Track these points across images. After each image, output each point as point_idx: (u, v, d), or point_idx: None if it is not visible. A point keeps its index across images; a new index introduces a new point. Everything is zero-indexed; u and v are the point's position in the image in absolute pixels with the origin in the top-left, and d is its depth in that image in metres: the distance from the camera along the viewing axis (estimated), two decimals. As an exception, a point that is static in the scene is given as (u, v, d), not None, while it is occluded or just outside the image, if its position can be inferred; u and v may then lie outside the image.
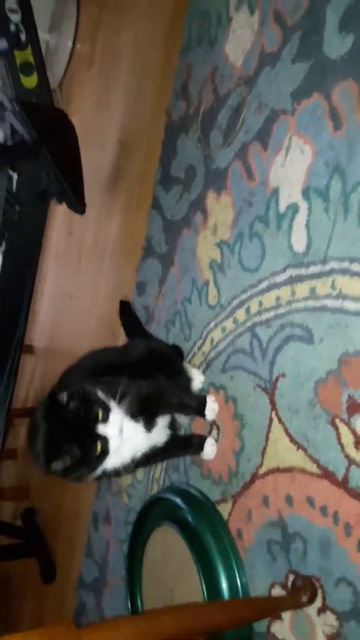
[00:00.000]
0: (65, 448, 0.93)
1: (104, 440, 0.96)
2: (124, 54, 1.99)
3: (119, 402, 1.01)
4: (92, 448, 0.95)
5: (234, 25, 1.29)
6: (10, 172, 1.59)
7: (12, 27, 1.67)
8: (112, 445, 0.97)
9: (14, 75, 1.68)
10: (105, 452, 0.97)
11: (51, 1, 2.81)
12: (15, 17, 1.68)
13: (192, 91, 1.44)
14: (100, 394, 1.00)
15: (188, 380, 1.24)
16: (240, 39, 1.26)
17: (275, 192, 1.08)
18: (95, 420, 0.96)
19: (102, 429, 0.96)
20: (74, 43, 2.51)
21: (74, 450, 0.93)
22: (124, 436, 1.02)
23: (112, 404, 1.00)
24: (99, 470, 1.00)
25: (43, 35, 2.65)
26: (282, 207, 1.06)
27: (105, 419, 0.97)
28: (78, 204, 1.67)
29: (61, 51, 2.58)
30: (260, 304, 1.09)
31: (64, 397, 0.95)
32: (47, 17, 2.80)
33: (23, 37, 1.68)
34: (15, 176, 1.60)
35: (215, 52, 1.35)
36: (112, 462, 1.03)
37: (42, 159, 1.59)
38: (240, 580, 1.06)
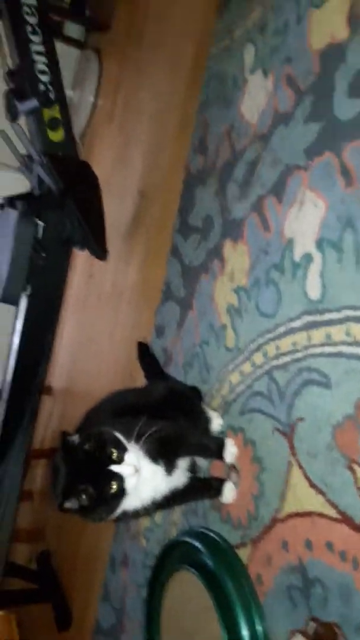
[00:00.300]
0: (80, 488, 0.96)
1: (120, 479, 0.98)
2: (144, 110, 2.10)
3: (137, 442, 1.04)
4: (107, 488, 0.97)
5: (249, 86, 1.38)
6: (37, 220, 1.67)
7: (42, 87, 1.79)
8: (129, 484, 0.99)
9: (41, 130, 1.79)
10: (122, 491, 0.98)
11: (75, 60, 2.99)
12: (45, 78, 1.80)
13: (209, 146, 1.52)
14: (118, 435, 1.02)
15: (207, 422, 1.27)
16: (255, 99, 1.34)
17: (290, 242, 1.13)
18: (109, 460, 0.98)
19: (117, 468, 0.98)
20: (95, 99, 2.66)
21: (89, 490, 0.96)
22: (144, 477, 1.04)
23: (130, 444, 1.02)
24: (118, 510, 1.01)
25: (67, 92, 2.81)
26: (297, 257, 1.11)
27: (121, 459, 0.99)
28: (101, 251, 1.74)
29: (83, 107, 2.73)
30: (278, 348, 1.13)
31: (75, 438, 0.99)
32: (70, 75, 2.97)
33: (52, 95, 1.79)
34: (41, 224, 1.68)
35: (231, 111, 1.44)
36: (131, 503, 1.05)
37: (67, 208, 1.67)
38: (260, 626, 1.06)
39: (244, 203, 1.31)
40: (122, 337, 1.99)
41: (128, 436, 1.04)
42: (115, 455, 0.99)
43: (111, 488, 0.97)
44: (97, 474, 0.97)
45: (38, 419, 2.13)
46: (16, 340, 1.79)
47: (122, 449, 1.00)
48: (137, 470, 1.00)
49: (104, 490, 0.97)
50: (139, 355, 1.64)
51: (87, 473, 0.98)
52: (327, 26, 1.11)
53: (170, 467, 1.11)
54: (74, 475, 0.98)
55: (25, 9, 1.76)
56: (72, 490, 0.96)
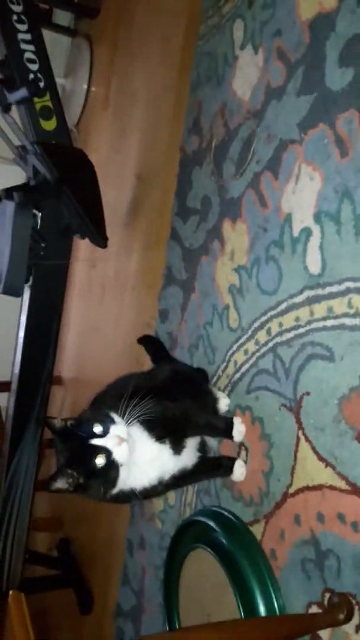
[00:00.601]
0: (67, 469, 0.97)
1: (106, 452, 0.98)
2: (137, 94, 2.08)
3: (125, 418, 1.04)
4: (93, 462, 0.97)
5: (240, 63, 1.36)
6: (34, 210, 1.66)
7: (31, 76, 1.77)
8: (118, 455, 0.98)
9: (34, 120, 1.77)
10: (112, 463, 0.98)
11: (66, 48, 2.96)
12: (34, 67, 1.78)
13: (203, 126, 1.51)
14: (109, 411, 1.03)
15: (214, 402, 1.28)
16: (247, 75, 1.32)
17: (288, 217, 1.12)
18: (92, 436, 0.98)
19: (99, 441, 0.98)
20: (88, 86, 2.64)
21: (75, 469, 0.97)
22: (150, 457, 1.06)
23: (119, 418, 1.03)
24: (118, 484, 1.01)
25: (59, 80, 2.78)
26: (296, 232, 1.10)
27: (105, 432, 0.99)
28: (100, 238, 1.73)
29: (77, 94, 2.71)
30: (281, 325, 1.13)
31: (58, 421, 1.01)
32: (62, 63, 2.94)
33: (42, 84, 1.78)
34: (39, 214, 1.68)
35: (223, 89, 1.42)
36: (139, 482, 1.07)
37: (64, 197, 1.66)
38: (277, 601, 1.07)
39: (241, 181, 1.30)
40: (127, 323, 2.00)
41: (121, 411, 1.04)
42: (99, 429, 0.99)
43: (97, 463, 0.97)
44: (82, 450, 0.98)
45: (50, 409, 2.15)
46: (21, 332, 1.79)
47: (108, 423, 1.00)
48: (123, 440, 0.99)
49: (90, 465, 0.97)
50: (144, 345, 1.65)
51: (73, 452, 0.99)
52: (315, -5, 1.09)
53: (178, 447, 1.12)
54: (61, 455, 0.99)
55: (10, -3, 1.74)
56: (60, 471, 0.98)
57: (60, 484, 0.98)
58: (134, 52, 2.17)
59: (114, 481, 1.00)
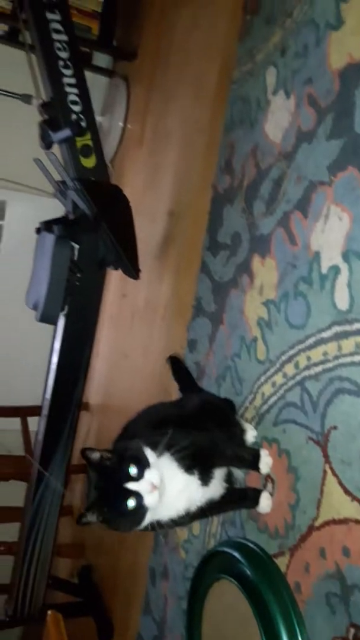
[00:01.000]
0: (97, 506, 1.00)
1: (137, 496, 0.99)
2: (171, 133, 2.18)
3: (165, 453, 1.06)
4: (124, 505, 0.99)
5: (272, 107, 1.43)
6: (72, 243, 1.74)
7: (74, 117, 1.88)
8: (147, 501, 1.00)
9: (75, 157, 1.87)
10: (141, 507, 1.00)
11: (103, 87, 3.10)
12: (77, 108, 1.89)
13: (235, 166, 1.57)
14: (145, 448, 1.05)
15: (242, 433, 1.30)
16: (279, 119, 1.39)
17: (317, 255, 1.16)
18: (128, 477, 1.00)
19: (133, 485, 1.00)
20: (124, 124, 2.76)
21: (104, 508, 1.00)
22: (177, 489, 1.07)
23: (157, 456, 1.05)
24: (144, 523, 1.04)
25: (97, 118, 2.92)
26: (324, 269, 1.14)
27: (140, 475, 1.01)
28: (133, 270, 1.80)
29: (113, 131, 2.83)
30: (309, 359, 1.16)
31: (95, 455, 1.02)
32: (99, 101, 3.09)
33: (83, 124, 1.88)
34: (76, 247, 1.76)
35: (255, 131, 1.49)
36: (166, 513, 1.08)
37: (101, 231, 1.74)
38: (301, 635, 1.07)
39: (271, 219, 1.35)
40: (156, 352, 2.05)
41: (157, 448, 1.06)
42: (134, 472, 1.01)
43: (128, 505, 0.99)
44: (114, 491, 1.00)
45: (77, 435, 2.19)
46: (54, 359, 1.86)
47: (143, 465, 1.02)
48: (155, 488, 1.00)
49: (121, 507, 0.99)
50: (172, 369, 1.69)
51: (106, 490, 1.01)
52: (345, 47, 1.16)
53: (206, 478, 1.14)
54: (94, 490, 1.02)
55: (57, 44, 1.87)
56: (91, 506, 1.01)
57: (91, 518, 1.01)
58: (169, 93, 2.28)
59: (140, 521, 1.03)
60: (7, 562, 2.27)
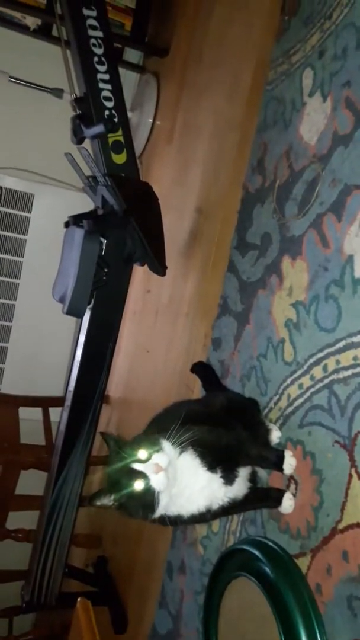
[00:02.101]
0: (108, 487, 1.04)
1: (144, 477, 1.02)
2: (202, 130, 2.18)
3: (186, 450, 1.08)
4: (131, 485, 1.02)
5: (307, 109, 1.43)
6: (101, 238, 1.76)
7: (107, 112, 1.90)
8: (154, 483, 1.02)
9: (106, 153, 1.88)
10: (149, 489, 1.02)
11: (134, 83, 3.12)
12: (109, 104, 1.90)
13: (267, 166, 1.57)
14: (159, 437, 1.08)
15: (266, 433, 1.31)
16: (314, 121, 1.38)
17: (350, 259, 1.16)
18: (136, 460, 1.04)
19: (140, 466, 1.03)
20: (154, 120, 2.77)
21: (114, 490, 1.03)
22: (200, 485, 1.09)
23: (168, 446, 1.07)
24: (158, 509, 1.05)
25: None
26: (358, 273, 1.14)
27: (148, 458, 1.04)
28: (160, 267, 1.81)
29: (142, 127, 2.84)
30: (338, 362, 1.16)
31: (111, 440, 1.07)
32: (129, 97, 3.10)
33: (116, 120, 1.90)
34: (104, 242, 1.77)
35: (289, 132, 1.49)
36: (186, 509, 1.10)
37: (129, 227, 1.76)
38: (320, 637, 1.08)
39: (303, 221, 1.36)
40: (178, 349, 2.06)
41: (179, 442, 1.08)
42: (143, 455, 1.04)
43: (135, 486, 1.02)
44: (123, 472, 1.03)
45: (97, 427, 2.22)
46: (79, 352, 1.88)
47: (153, 450, 1.05)
48: (161, 469, 1.02)
49: (129, 488, 1.02)
50: (197, 373, 1.70)
51: (118, 472, 1.04)
52: (387, 51, 1.15)
53: (230, 476, 1.15)
54: (110, 475, 1.05)
55: (92, 41, 1.88)
56: (103, 488, 1.04)
57: (105, 500, 1.04)
58: (201, 90, 2.28)
59: (151, 506, 1.04)
60: (25, 549, 2.31)
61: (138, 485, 1.02)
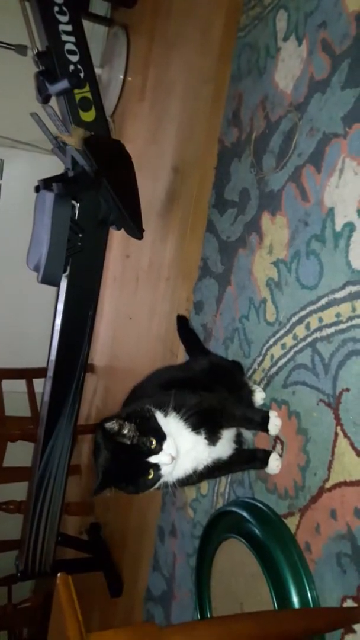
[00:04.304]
0: (116, 481, 1.00)
1: (157, 468, 1.00)
2: (175, 85, 2.08)
3: (170, 414, 1.06)
4: (143, 477, 1.00)
5: (282, 54, 1.35)
6: (73, 201, 1.69)
7: (72, 67, 1.79)
8: (165, 471, 1.01)
9: (73, 111, 1.79)
10: (158, 477, 1.01)
11: (102, 38, 2.96)
12: (74, 58, 1.79)
13: (243, 118, 1.50)
14: (156, 414, 1.04)
15: (250, 394, 1.29)
16: (289, 67, 1.31)
17: (331, 212, 1.12)
18: (148, 451, 1.00)
19: (155, 459, 1.00)
20: (125, 76, 2.64)
21: (124, 483, 1.00)
22: (185, 448, 1.07)
23: (164, 422, 1.04)
24: (154, 487, 1.04)
25: (95, 70, 2.80)
26: (339, 226, 1.09)
27: (159, 449, 1.01)
28: (136, 230, 1.75)
29: (113, 84, 2.72)
30: (320, 320, 1.13)
31: (114, 426, 1.00)
32: (98, 53, 2.95)
33: (82, 75, 1.79)
34: (77, 205, 1.70)
35: (265, 81, 1.41)
36: (174, 474, 1.08)
37: (102, 189, 1.68)
38: (310, 593, 1.08)
39: (281, 174, 1.30)
40: (161, 314, 2.02)
41: (164, 408, 1.06)
42: (154, 445, 1.00)
43: (148, 476, 1.00)
44: (135, 464, 1.00)
45: (83, 396, 2.20)
46: (58, 320, 1.83)
47: (161, 437, 1.02)
48: (174, 459, 1.01)
49: (140, 479, 1.00)
50: (178, 328, 1.67)
51: (126, 463, 1.00)
52: (364, -15, 1.08)
53: (213, 438, 1.13)
54: (112, 465, 1.00)
55: (52, -12, 1.75)
56: (108, 482, 1.00)
57: (107, 492, 1.01)
58: (172, 41, 2.17)
59: (151, 487, 1.03)
60: (19, 519, 2.32)
61: (151, 476, 1.00)
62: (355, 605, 0.98)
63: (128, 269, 2.41)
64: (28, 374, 2.58)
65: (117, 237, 2.36)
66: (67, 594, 0.62)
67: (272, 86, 1.38)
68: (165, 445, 1.01)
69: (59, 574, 0.68)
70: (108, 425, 1.00)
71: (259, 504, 1.25)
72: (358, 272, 1.03)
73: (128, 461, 1.00)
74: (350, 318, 1.04)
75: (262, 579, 1.13)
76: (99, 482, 1.01)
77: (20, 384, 2.56)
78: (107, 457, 1.01)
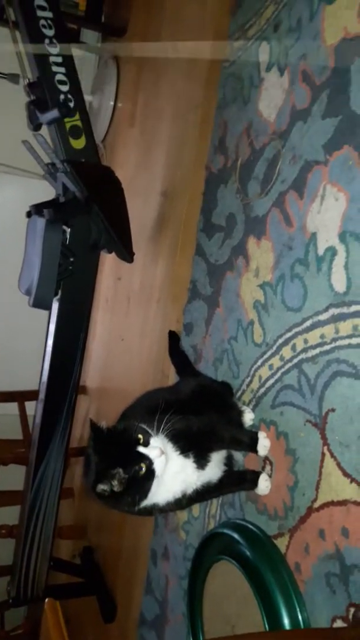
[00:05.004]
0: (112, 472, 0.99)
1: (148, 460, 1.01)
2: (164, 111, 2.13)
3: (160, 434, 1.07)
4: (137, 469, 1.00)
5: (265, 84, 1.40)
6: (64, 226, 1.71)
7: (62, 97, 1.83)
8: (157, 466, 1.02)
9: (64, 139, 1.83)
10: (151, 473, 1.02)
11: (93, 65, 3.03)
12: (64, 88, 1.84)
13: (229, 145, 1.54)
14: (143, 425, 1.06)
15: (239, 415, 1.30)
16: (272, 97, 1.35)
17: (313, 236, 1.15)
18: (136, 443, 1.02)
19: (144, 450, 1.02)
20: (115, 103, 2.70)
21: (119, 473, 1.00)
22: (173, 470, 1.08)
23: (154, 435, 1.06)
24: (149, 496, 1.04)
25: (86, 97, 2.86)
26: (321, 251, 1.12)
27: (147, 442, 1.03)
28: (127, 254, 1.78)
29: (104, 110, 2.78)
30: (306, 341, 1.15)
31: (103, 424, 1.03)
32: (89, 80, 3.02)
33: (72, 104, 1.84)
34: (68, 230, 1.73)
35: (249, 109, 1.46)
36: (163, 496, 1.09)
37: (92, 214, 1.71)
38: (301, 614, 1.09)
39: (266, 199, 1.33)
40: (152, 335, 2.04)
41: (153, 429, 1.07)
42: (141, 439, 1.02)
43: (140, 469, 1.00)
44: (126, 456, 1.01)
45: (75, 418, 2.20)
46: (50, 342, 1.84)
47: (148, 435, 1.04)
48: (163, 452, 1.03)
49: (133, 472, 1.00)
50: (169, 347, 1.68)
51: (117, 456, 1.01)
52: (340, 21, 1.12)
53: (202, 462, 1.14)
54: (104, 459, 1.01)
55: (42, 22, 1.81)
56: (104, 474, 1.00)
57: (105, 485, 1.00)
58: (161, 70, 2.23)
59: (147, 491, 1.03)
60: (11, 544, 2.29)
61: (142, 468, 1.01)
62: (345, 625, 0.99)
63: (120, 291, 2.44)
64: (20, 397, 2.58)
65: (109, 260, 2.39)
66: (55, 619, 0.63)
67: (256, 115, 1.42)
68: (152, 440, 1.03)
69: (46, 599, 0.69)
70: (99, 424, 1.03)
71: (249, 526, 1.25)
72: (340, 295, 1.06)
73: (120, 456, 1.01)
74: (334, 339, 1.06)
75: (253, 601, 1.13)
76: (95, 475, 1.00)
77: (12, 407, 2.56)
78: (100, 457, 1.01)
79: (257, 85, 1.44)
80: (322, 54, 1.18)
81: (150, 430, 1.06)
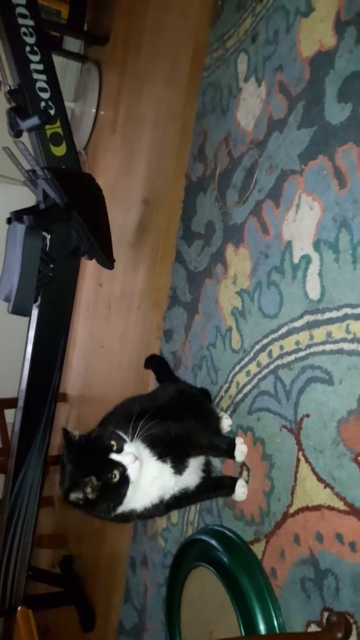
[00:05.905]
0: (84, 479, 0.99)
1: (121, 467, 1.01)
2: (145, 119, 2.15)
3: (135, 439, 1.07)
4: (110, 476, 1.00)
5: (243, 94, 1.42)
6: (44, 233, 1.71)
7: (43, 104, 1.84)
8: (131, 472, 1.01)
9: (44, 146, 1.83)
10: (125, 480, 1.01)
11: (76, 73, 3.04)
12: (45, 95, 1.85)
13: (208, 154, 1.56)
14: (118, 432, 1.06)
15: (217, 421, 1.31)
16: (250, 107, 1.38)
17: (289, 244, 1.17)
18: (109, 450, 1.02)
19: (117, 457, 1.01)
20: (97, 110, 2.71)
21: (92, 480, 0.99)
22: (151, 476, 1.08)
23: (128, 442, 1.05)
24: (125, 502, 1.04)
25: (69, 104, 2.87)
26: (296, 258, 1.14)
27: (120, 448, 1.03)
28: (107, 260, 1.78)
29: (86, 118, 2.78)
30: (282, 348, 1.16)
31: (75, 433, 1.03)
32: (72, 87, 3.03)
33: (52, 112, 1.84)
34: (48, 237, 1.73)
35: (227, 119, 1.48)
36: (141, 502, 1.09)
37: (73, 221, 1.72)
38: (277, 619, 1.09)
39: (243, 208, 1.35)
40: (132, 342, 2.04)
41: (129, 435, 1.07)
42: (115, 446, 1.02)
43: (114, 476, 1.00)
44: (98, 463, 1.01)
45: (55, 426, 2.18)
46: (29, 349, 1.84)
47: (122, 441, 1.04)
48: (137, 458, 1.02)
49: (106, 479, 1.00)
50: (148, 364, 1.68)
51: (90, 464, 1.01)
52: (315, 34, 1.15)
53: (179, 467, 1.14)
54: (77, 468, 1.01)
55: (23, 29, 1.81)
56: (77, 481, 0.99)
57: (78, 494, 0.99)
58: (142, 78, 2.24)
59: (122, 498, 1.03)
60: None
61: (116, 475, 1.00)
62: (319, 629, 0.99)
63: (101, 298, 2.44)
64: (-1, 404, 2.56)
65: (90, 267, 2.39)
66: (27, 629, 0.62)
67: (234, 124, 1.44)
68: (126, 446, 1.03)
69: (19, 608, 0.68)
70: (70, 433, 1.02)
71: (226, 532, 1.26)
72: (314, 302, 1.07)
73: (93, 464, 1.00)
74: (309, 346, 1.07)
75: (230, 607, 1.13)
76: (68, 483, 1.00)
77: (-8, 414, 2.54)
78: (73, 465, 1.01)
79: (235, 95, 1.46)
80: (298, 66, 1.21)
81: (125, 437, 1.05)
